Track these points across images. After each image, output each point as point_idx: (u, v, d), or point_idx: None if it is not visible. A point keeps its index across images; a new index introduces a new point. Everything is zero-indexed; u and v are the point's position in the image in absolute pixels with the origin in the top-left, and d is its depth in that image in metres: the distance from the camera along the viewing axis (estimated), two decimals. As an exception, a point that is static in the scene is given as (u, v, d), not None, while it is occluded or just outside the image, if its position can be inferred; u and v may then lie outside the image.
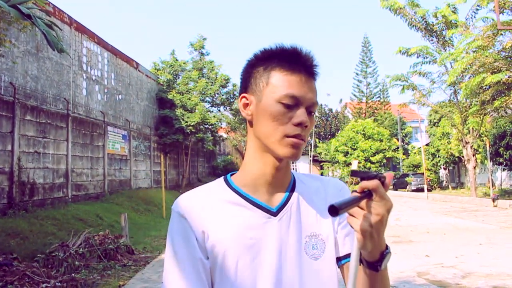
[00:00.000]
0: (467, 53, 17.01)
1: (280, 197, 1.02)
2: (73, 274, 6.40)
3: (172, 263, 0.96)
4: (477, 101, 18.48)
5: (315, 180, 1.10)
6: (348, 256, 1.00)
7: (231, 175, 1.06)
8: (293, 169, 43.38)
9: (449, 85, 19.66)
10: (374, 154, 34.46)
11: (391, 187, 35.52)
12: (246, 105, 1.02)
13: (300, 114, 0.94)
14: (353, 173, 0.87)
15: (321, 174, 43.40)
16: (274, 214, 0.99)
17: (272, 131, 0.95)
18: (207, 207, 0.98)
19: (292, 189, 1.04)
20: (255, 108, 0.99)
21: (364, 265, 0.89)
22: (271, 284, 0.95)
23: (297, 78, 0.96)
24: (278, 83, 0.96)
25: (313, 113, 0.99)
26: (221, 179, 1.06)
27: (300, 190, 1.05)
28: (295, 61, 0.97)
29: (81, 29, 14.26)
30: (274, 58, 0.98)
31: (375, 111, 45.71)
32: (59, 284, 5.84)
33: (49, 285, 5.75)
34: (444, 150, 28.44)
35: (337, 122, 48.13)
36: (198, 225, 0.96)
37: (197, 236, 0.96)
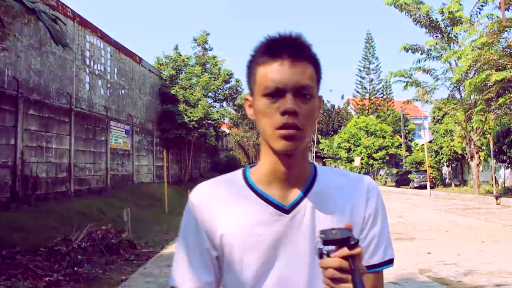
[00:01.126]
0: (472, 50, 16.92)
1: (295, 194, 0.98)
2: (75, 268, 6.42)
3: (181, 250, 0.99)
4: (482, 99, 18.41)
5: (340, 177, 1.04)
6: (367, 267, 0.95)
7: (251, 167, 1.05)
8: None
9: (455, 83, 19.58)
10: (376, 151, 34.44)
11: (394, 184, 35.49)
12: (250, 107, 1.01)
13: (284, 102, 0.89)
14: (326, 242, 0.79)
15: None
16: (287, 211, 0.96)
17: (265, 127, 0.93)
18: (220, 199, 0.98)
19: (310, 186, 0.99)
20: (254, 108, 0.97)
21: None
22: (274, 283, 0.94)
23: (277, 64, 0.91)
24: (261, 77, 0.93)
25: (307, 96, 0.92)
26: (240, 170, 1.06)
27: (320, 187, 1.00)
28: (274, 47, 0.93)
29: (84, 23, 14.25)
30: (256, 53, 0.97)
31: (378, 107, 45.62)
32: (62, 278, 5.87)
33: (52, 278, 5.77)
34: (447, 147, 28.37)
35: (339, 119, 48.06)
36: (208, 217, 0.97)
37: (206, 227, 0.97)
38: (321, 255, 0.80)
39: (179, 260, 0.99)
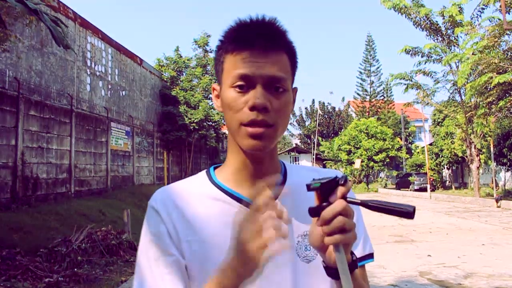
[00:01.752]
0: (473, 53, 16.94)
1: (266, 192, 0.90)
2: (75, 269, 6.42)
3: (144, 261, 0.85)
4: (483, 103, 18.41)
5: (311, 172, 0.96)
6: None
7: (215, 168, 0.96)
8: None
9: (460, 87, 19.56)
10: (377, 153, 34.39)
11: (394, 186, 35.46)
12: (217, 97, 0.92)
13: (252, 95, 0.81)
14: (313, 188, 0.72)
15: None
16: None
17: (230, 121, 0.85)
18: (185, 202, 0.88)
19: (282, 182, 0.93)
20: (221, 100, 0.89)
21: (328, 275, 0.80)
22: (256, 284, 0.80)
23: (247, 54, 0.82)
24: (229, 66, 0.85)
25: (280, 90, 0.84)
26: (203, 172, 0.96)
27: (291, 183, 0.93)
28: (245, 34, 0.84)
29: (85, 24, 14.27)
30: (225, 39, 0.87)
31: (379, 110, 45.59)
32: (62, 278, 5.87)
33: (51, 279, 5.77)
34: (448, 150, 28.36)
35: (340, 121, 48.03)
36: (173, 221, 0.86)
37: (171, 233, 0.85)
38: (316, 211, 0.72)
39: (144, 274, 0.84)
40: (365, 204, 0.71)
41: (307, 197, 0.82)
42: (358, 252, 0.92)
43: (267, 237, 0.67)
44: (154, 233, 0.87)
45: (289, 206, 0.84)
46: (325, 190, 0.71)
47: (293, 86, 0.92)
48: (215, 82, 0.95)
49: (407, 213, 0.69)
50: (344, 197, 0.71)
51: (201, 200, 0.89)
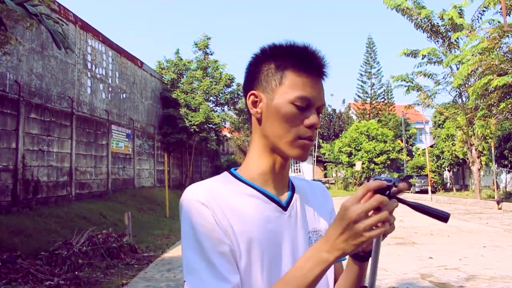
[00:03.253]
0: (473, 55, 16.94)
1: (286, 192, 1.02)
2: (76, 272, 6.42)
3: (198, 255, 0.87)
4: (484, 105, 18.41)
5: (302, 181, 1.11)
6: None
7: (235, 169, 1.03)
8: (297, 169, 43.38)
9: (455, 87, 19.59)
10: (378, 155, 34.39)
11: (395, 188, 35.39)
12: (255, 103, 0.98)
13: (313, 116, 0.94)
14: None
15: (325, 175, 43.50)
16: (285, 208, 0.98)
17: (284, 132, 0.94)
18: (225, 196, 0.93)
19: (293, 186, 1.05)
20: (265, 107, 0.96)
21: (356, 258, 0.96)
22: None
23: (310, 79, 0.95)
24: (292, 84, 0.94)
25: (320, 114, 0.99)
26: (226, 173, 1.02)
27: (297, 187, 1.06)
28: (309, 61, 0.95)
29: (86, 27, 14.30)
30: (287, 57, 0.96)
31: (379, 112, 45.57)
32: (63, 282, 5.86)
33: (52, 283, 5.76)
34: (449, 152, 28.34)
35: (340, 123, 48.04)
36: (221, 213, 0.90)
37: (220, 224, 0.89)
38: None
39: (198, 268, 0.86)
40: (412, 205, 0.82)
41: (309, 200, 1.05)
42: None
43: (378, 218, 0.76)
44: (204, 225, 0.88)
45: (301, 206, 1.02)
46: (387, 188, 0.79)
47: None
48: (242, 87, 1.04)
49: (444, 217, 0.78)
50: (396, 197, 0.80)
51: (238, 195, 0.95)
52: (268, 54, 0.98)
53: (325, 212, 1.08)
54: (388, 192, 0.78)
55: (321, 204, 1.09)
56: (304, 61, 0.95)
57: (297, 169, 43.32)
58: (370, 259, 0.86)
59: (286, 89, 0.94)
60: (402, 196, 0.81)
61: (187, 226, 0.90)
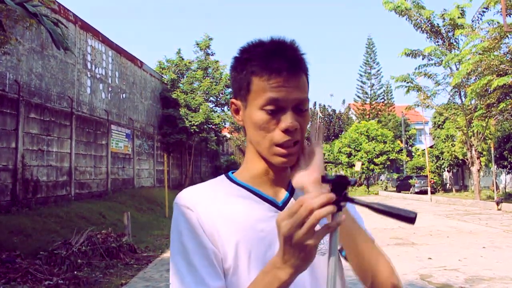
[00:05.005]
0: (473, 55, 16.95)
1: (283, 192, 0.99)
2: (75, 272, 6.42)
3: (181, 257, 0.89)
4: (482, 104, 18.41)
5: None
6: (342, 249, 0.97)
7: (232, 173, 1.03)
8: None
9: (453, 87, 19.59)
10: (377, 156, 34.38)
11: (395, 189, 35.45)
12: (236, 111, 0.99)
13: (285, 119, 0.89)
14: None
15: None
16: (280, 208, 0.97)
17: (261, 140, 0.92)
18: (214, 200, 0.94)
19: (291, 185, 1.01)
20: (243, 115, 0.96)
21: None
22: None
23: (278, 79, 0.88)
24: (258, 89, 0.90)
25: (304, 110, 0.92)
26: (222, 176, 1.03)
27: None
28: (274, 59, 0.89)
29: (86, 27, 14.29)
30: (251, 60, 0.92)
31: (379, 112, 45.59)
32: (62, 281, 5.85)
33: (51, 282, 5.76)
34: (448, 152, 28.33)
35: (340, 123, 48.06)
36: (207, 217, 0.91)
37: (205, 228, 0.90)
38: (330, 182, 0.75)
39: (181, 269, 0.88)
40: (371, 206, 0.74)
41: None
42: None
43: (309, 225, 0.70)
44: (188, 228, 0.91)
45: None
46: (337, 185, 0.74)
47: None
48: (230, 96, 1.02)
49: (409, 218, 0.72)
50: (349, 198, 0.74)
51: (228, 198, 0.95)
52: (238, 61, 0.96)
53: None
54: (344, 192, 0.73)
55: None
56: (267, 60, 0.90)
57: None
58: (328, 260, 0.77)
59: (254, 95, 0.91)
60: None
61: (174, 229, 0.93)
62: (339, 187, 0.73)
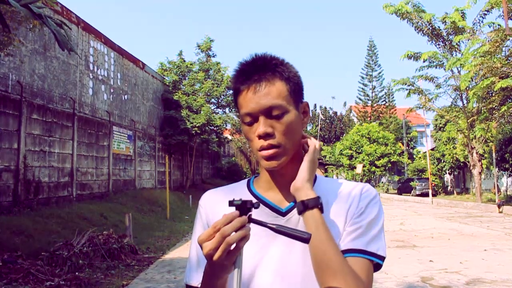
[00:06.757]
0: (474, 57, 16.95)
1: (291, 199, 1.04)
2: (76, 273, 6.43)
3: (192, 250, 1.07)
4: (485, 108, 18.40)
5: (339, 185, 1.07)
6: (346, 251, 0.97)
7: (255, 177, 1.14)
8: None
9: (463, 90, 19.55)
10: (379, 158, 34.38)
11: (396, 191, 35.40)
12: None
13: (256, 128, 0.98)
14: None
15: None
16: (283, 214, 1.03)
17: (252, 149, 1.03)
18: (222, 202, 1.02)
19: None
20: None
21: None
22: (272, 271, 0.98)
23: (246, 94, 0.98)
24: (239, 106, 1.01)
25: (281, 113, 0.97)
26: (246, 180, 1.15)
27: (319, 193, 1.03)
28: (243, 76, 0.99)
29: (88, 29, 14.33)
30: (233, 81, 1.03)
31: (381, 115, 45.58)
32: (63, 282, 5.86)
33: (53, 283, 5.77)
34: (450, 155, 28.32)
35: (341, 125, 48.06)
36: (212, 215, 1.06)
37: (209, 224, 1.05)
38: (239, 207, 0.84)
39: (191, 259, 1.06)
40: (270, 227, 0.85)
41: (328, 205, 1.02)
42: (360, 244, 0.98)
43: (222, 250, 0.81)
44: (198, 223, 1.10)
45: None
46: (243, 208, 0.84)
47: (303, 100, 1.06)
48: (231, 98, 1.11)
49: (303, 238, 0.82)
50: (250, 218, 0.85)
51: None
52: (233, 87, 1.05)
53: (340, 215, 1.01)
54: (249, 214, 0.84)
55: (340, 208, 1.02)
56: (240, 78, 1.00)
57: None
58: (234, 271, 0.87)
59: (239, 111, 1.02)
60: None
61: (194, 221, 1.13)
62: (244, 210, 0.84)
